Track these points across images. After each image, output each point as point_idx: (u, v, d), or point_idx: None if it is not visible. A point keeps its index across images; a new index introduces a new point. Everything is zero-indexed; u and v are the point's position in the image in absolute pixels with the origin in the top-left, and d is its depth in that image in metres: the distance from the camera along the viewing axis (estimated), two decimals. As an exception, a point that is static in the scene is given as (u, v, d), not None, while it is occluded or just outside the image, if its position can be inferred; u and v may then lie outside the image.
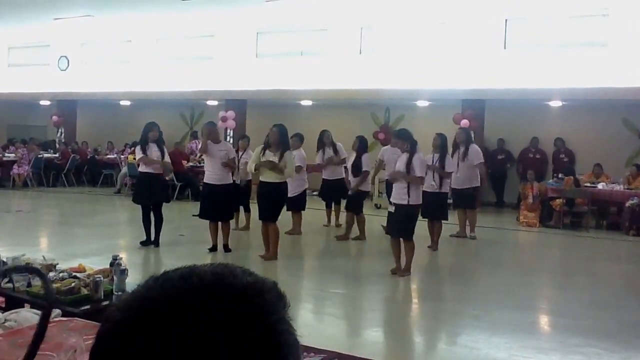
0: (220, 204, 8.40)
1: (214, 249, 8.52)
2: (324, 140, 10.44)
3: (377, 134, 15.42)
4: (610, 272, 8.64)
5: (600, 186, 11.97)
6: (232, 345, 0.64)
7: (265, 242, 8.18)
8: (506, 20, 13.40)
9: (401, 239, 7.40)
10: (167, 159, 8.82)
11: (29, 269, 2.59)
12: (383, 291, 7.08)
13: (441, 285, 7.74)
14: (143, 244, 8.76)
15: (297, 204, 9.76)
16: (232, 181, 8.72)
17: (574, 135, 14.18)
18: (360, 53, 14.89)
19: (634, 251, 10.10)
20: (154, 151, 8.63)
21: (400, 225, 7.29)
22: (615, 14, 12.26)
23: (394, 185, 7.45)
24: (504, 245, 10.02)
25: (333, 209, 10.81)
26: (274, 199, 8.01)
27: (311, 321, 5.99)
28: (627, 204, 11.22)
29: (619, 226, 11.51)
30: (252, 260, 8.09)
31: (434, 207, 8.90)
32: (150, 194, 8.72)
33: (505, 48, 13.43)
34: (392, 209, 7.33)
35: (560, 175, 12.72)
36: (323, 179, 10.54)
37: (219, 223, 8.54)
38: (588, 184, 12.11)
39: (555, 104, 14.23)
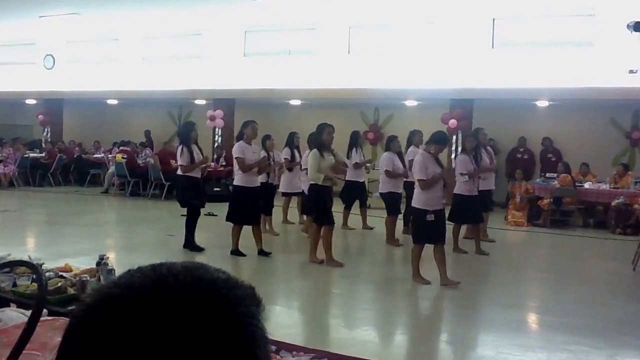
0: (256, 206, 8.23)
1: (241, 253, 8.16)
2: (358, 141, 10.56)
3: (366, 134, 15.43)
4: (597, 270, 8.71)
5: (587, 185, 12.07)
6: (196, 333, 0.64)
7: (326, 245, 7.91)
8: (494, 19, 13.44)
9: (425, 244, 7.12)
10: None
11: (25, 263, 2.55)
12: (374, 290, 7.08)
13: (431, 284, 7.73)
14: (196, 248, 8.47)
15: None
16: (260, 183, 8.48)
17: (561, 135, 14.26)
18: (349, 52, 14.88)
19: (620, 249, 10.13)
20: (196, 153, 8.47)
21: (442, 230, 7.00)
22: (602, 13, 12.31)
23: (429, 191, 6.85)
24: (491, 245, 10.02)
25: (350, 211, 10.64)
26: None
27: (302, 320, 5.98)
28: (614, 203, 11.32)
29: (606, 225, 11.63)
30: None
31: (479, 209, 8.85)
32: (201, 195, 8.62)
33: (493, 47, 13.46)
34: (431, 217, 6.82)
35: (547, 175, 12.77)
36: (346, 181, 10.32)
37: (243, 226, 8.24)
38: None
39: (543, 103, 14.28)
